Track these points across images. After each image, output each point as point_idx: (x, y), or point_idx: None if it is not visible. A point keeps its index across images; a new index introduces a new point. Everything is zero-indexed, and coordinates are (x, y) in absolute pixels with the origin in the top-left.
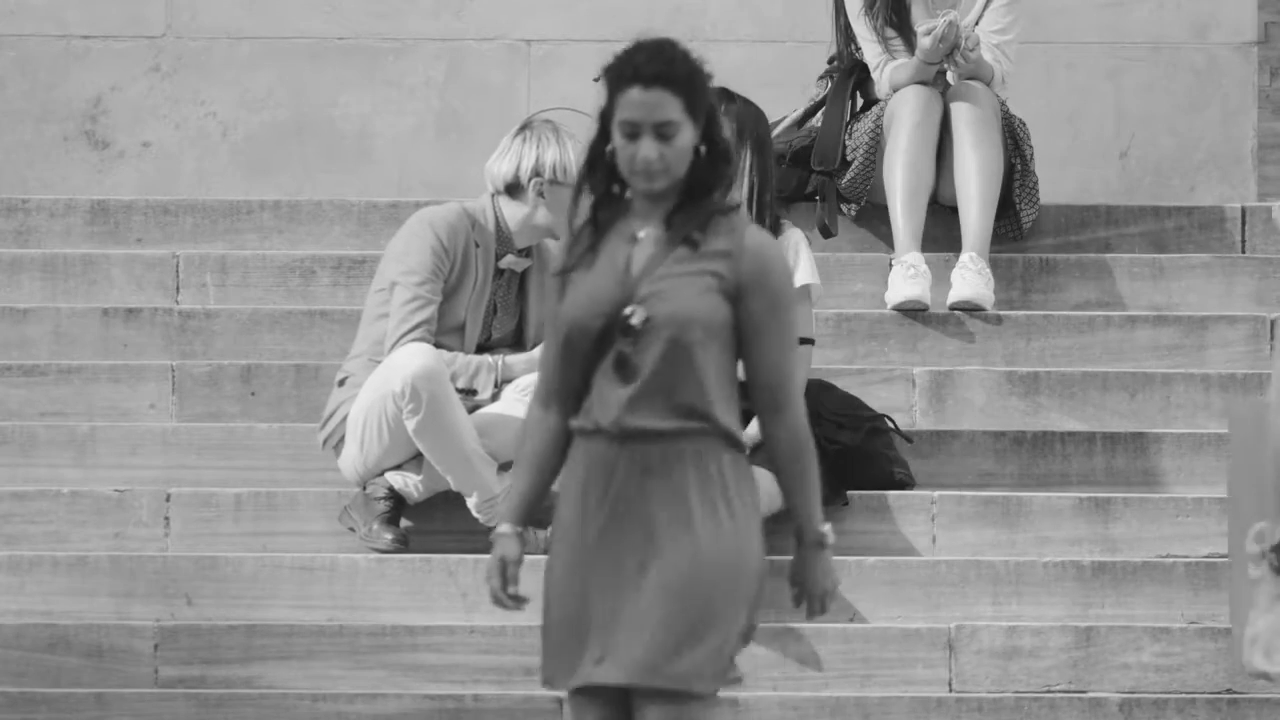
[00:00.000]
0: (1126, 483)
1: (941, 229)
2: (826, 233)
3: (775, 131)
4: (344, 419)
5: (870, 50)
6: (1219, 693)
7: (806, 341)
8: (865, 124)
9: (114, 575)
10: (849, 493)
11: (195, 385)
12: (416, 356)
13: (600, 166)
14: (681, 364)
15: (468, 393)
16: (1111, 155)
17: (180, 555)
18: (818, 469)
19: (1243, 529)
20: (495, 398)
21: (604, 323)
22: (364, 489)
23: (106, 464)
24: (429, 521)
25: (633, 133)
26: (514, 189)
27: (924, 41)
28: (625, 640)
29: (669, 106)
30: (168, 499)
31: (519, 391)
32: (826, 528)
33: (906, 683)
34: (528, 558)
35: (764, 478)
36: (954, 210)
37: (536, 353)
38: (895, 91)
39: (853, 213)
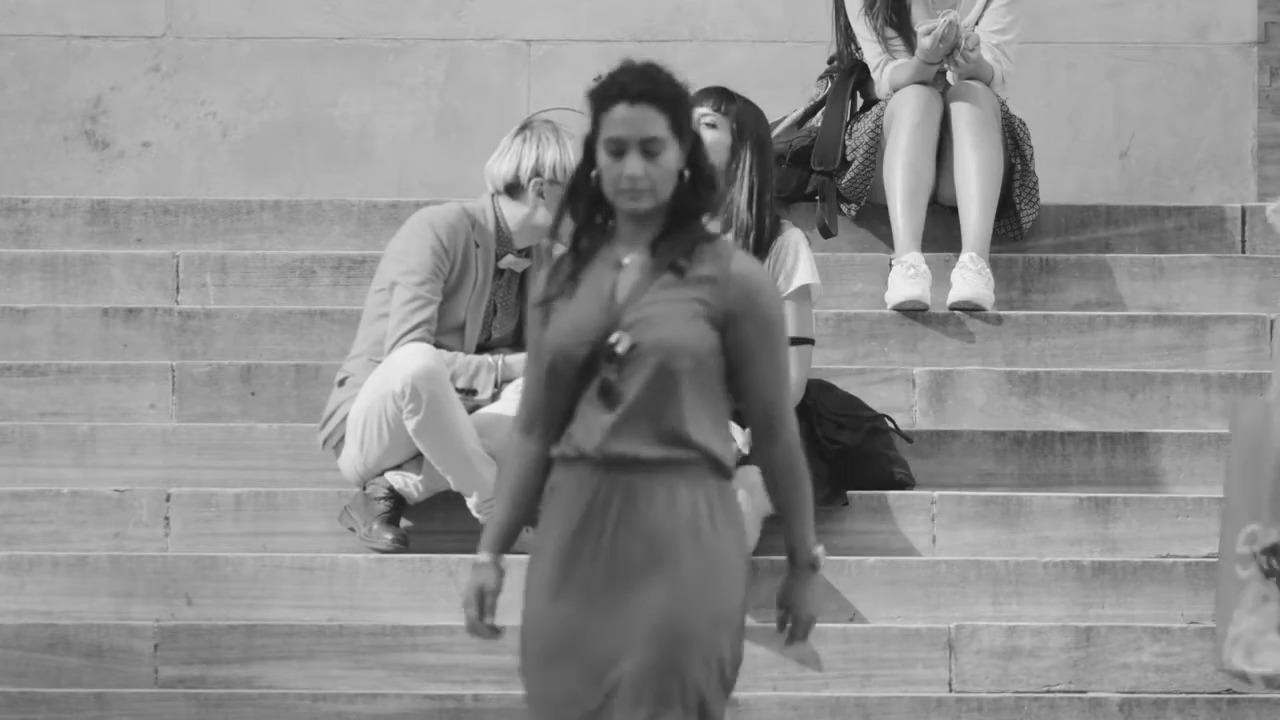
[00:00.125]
0: (1126, 483)
1: (941, 229)
2: (826, 233)
3: (775, 131)
4: (344, 419)
5: (870, 50)
6: (1219, 693)
7: (806, 341)
8: (865, 124)
9: (114, 575)
10: (849, 493)
11: (195, 385)
12: (416, 356)
13: (584, 193)
14: (667, 391)
15: (468, 393)
16: (1111, 155)
17: (180, 555)
18: (811, 492)
19: (1235, 529)
20: (495, 398)
21: (589, 350)
22: (364, 489)
23: (106, 464)
24: (429, 521)
25: (619, 149)
26: (514, 189)
27: (924, 41)
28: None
29: (655, 123)
30: (168, 499)
31: (519, 391)
32: (819, 550)
33: (906, 683)
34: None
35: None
36: (954, 210)
37: None
38: (895, 91)
39: (853, 213)
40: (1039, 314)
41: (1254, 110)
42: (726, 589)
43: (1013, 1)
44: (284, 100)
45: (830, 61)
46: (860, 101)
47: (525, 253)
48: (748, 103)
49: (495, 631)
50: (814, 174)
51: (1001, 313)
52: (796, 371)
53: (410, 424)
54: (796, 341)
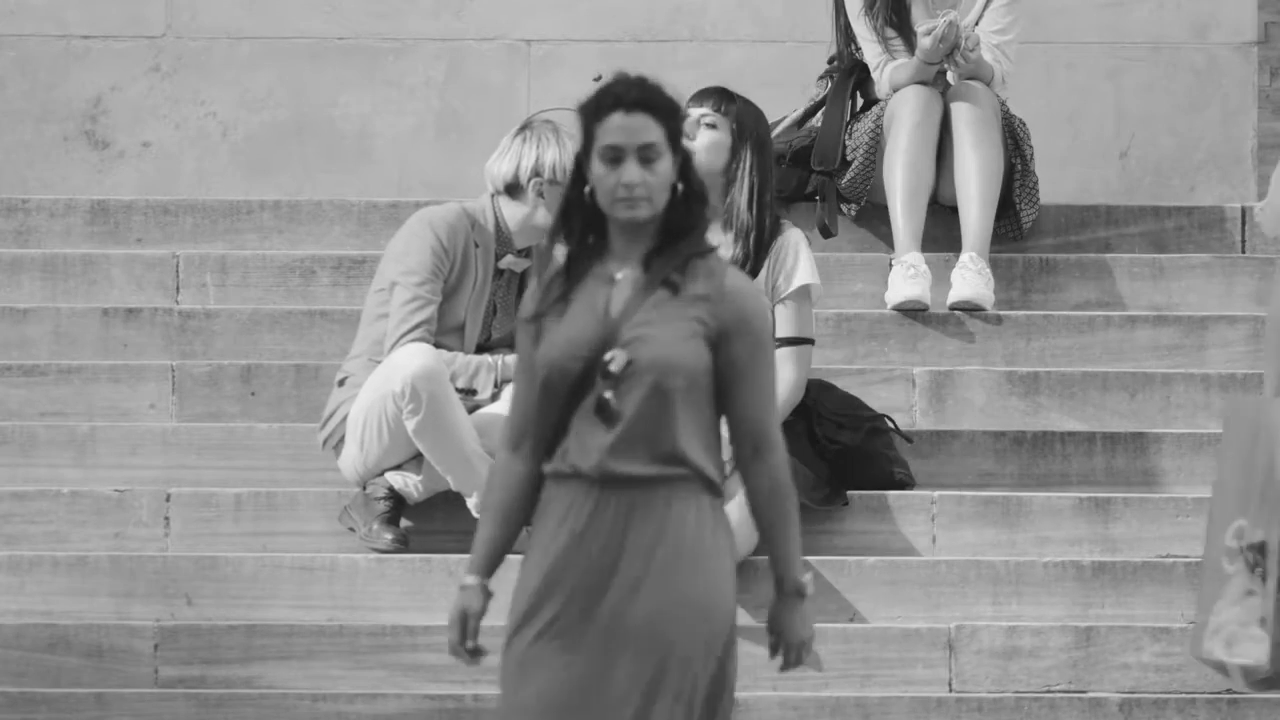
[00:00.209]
0: (1126, 483)
1: (941, 229)
2: (826, 233)
3: (775, 131)
4: (344, 419)
5: (870, 50)
6: (1219, 693)
7: (806, 341)
8: (865, 124)
9: (114, 575)
10: (849, 493)
11: (195, 385)
12: (416, 356)
13: (576, 212)
14: (663, 409)
15: (468, 393)
16: (1111, 155)
17: (180, 555)
18: (798, 516)
19: (1223, 523)
20: (495, 398)
21: (583, 365)
22: (364, 489)
23: (106, 464)
24: (429, 521)
25: (615, 157)
26: (514, 189)
27: (924, 41)
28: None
29: (651, 130)
30: (168, 499)
31: None
32: (807, 578)
33: (906, 683)
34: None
35: None
36: (954, 210)
37: None
38: (895, 91)
39: (853, 213)
40: (1039, 314)
41: (1254, 110)
42: (720, 607)
43: (1013, 1)
44: (284, 100)
45: (830, 61)
46: (860, 101)
47: (525, 253)
48: (748, 103)
49: (476, 655)
50: (814, 174)
51: (1001, 313)
52: (796, 371)
53: (410, 424)
54: (796, 341)
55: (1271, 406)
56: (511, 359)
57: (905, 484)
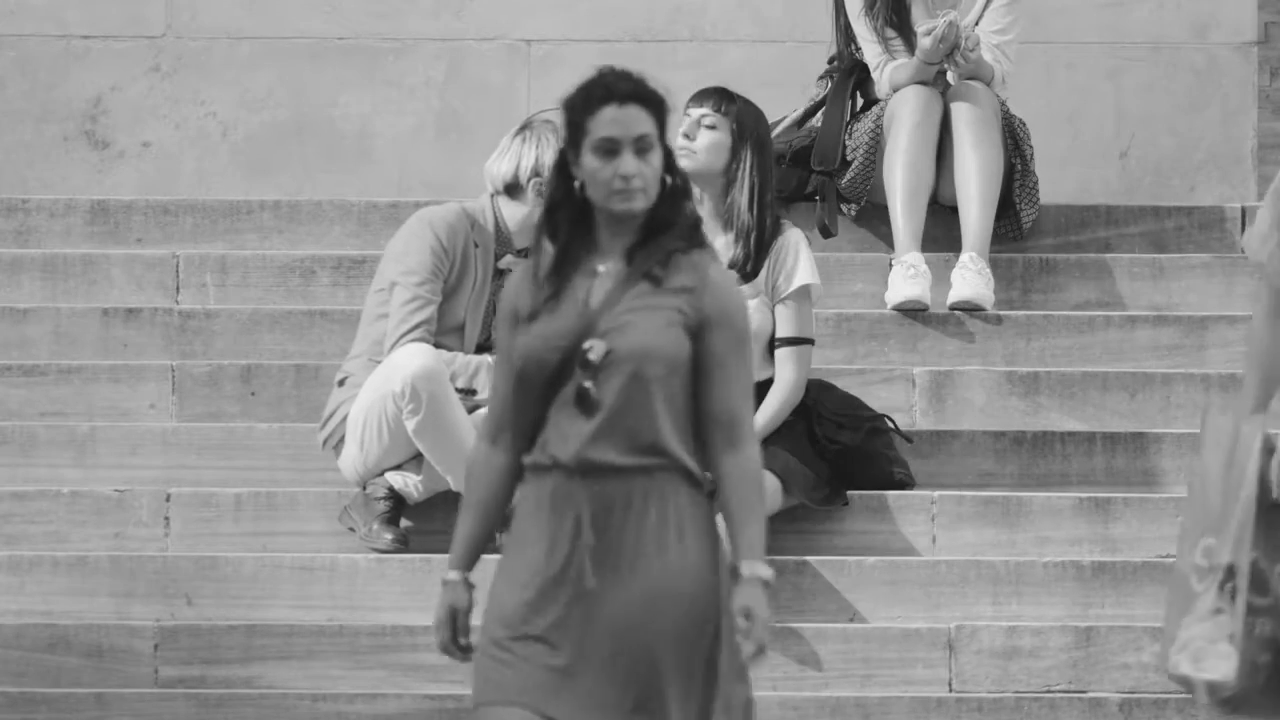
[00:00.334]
0: (1126, 483)
1: (941, 229)
2: (826, 233)
3: (775, 131)
4: (344, 419)
5: (870, 50)
6: None
7: (806, 341)
8: (865, 124)
9: (114, 575)
10: (849, 493)
11: (195, 385)
12: (416, 356)
13: (564, 208)
14: (642, 399)
15: (467, 393)
16: (1111, 155)
17: (180, 555)
18: (765, 510)
19: (1193, 539)
20: None
21: (561, 356)
22: (364, 489)
23: (106, 464)
24: (429, 521)
25: (611, 149)
26: (513, 189)
27: (924, 41)
28: (581, 684)
29: (644, 122)
30: (168, 499)
31: None
32: (769, 573)
33: (906, 683)
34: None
35: (769, 480)
36: (954, 210)
37: None
38: (895, 91)
39: (853, 213)
40: (1039, 314)
41: (1254, 110)
42: (702, 597)
43: (1013, 1)
44: (284, 100)
45: (830, 61)
46: (860, 101)
47: (525, 253)
48: (748, 103)
49: (468, 651)
50: (814, 174)
51: (1001, 313)
52: (796, 371)
53: (410, 424)
54: (796, 341)
55: (1249, 425)
56: None
57: (905, 484)
